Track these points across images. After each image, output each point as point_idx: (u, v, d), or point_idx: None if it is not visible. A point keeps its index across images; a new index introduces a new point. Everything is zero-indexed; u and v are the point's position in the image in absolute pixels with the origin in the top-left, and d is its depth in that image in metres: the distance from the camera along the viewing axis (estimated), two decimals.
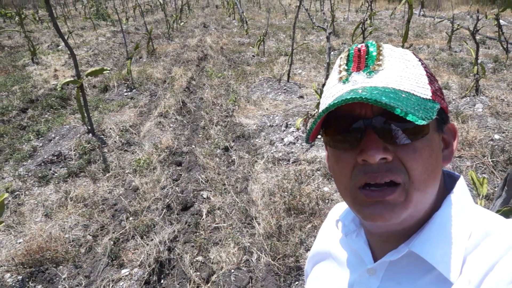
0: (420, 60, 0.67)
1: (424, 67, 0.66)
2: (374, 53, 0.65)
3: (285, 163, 4.15)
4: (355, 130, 0.62)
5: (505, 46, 7.52)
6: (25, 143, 4.75)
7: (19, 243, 2.99)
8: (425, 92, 0.62)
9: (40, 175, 3.90)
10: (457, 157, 4.09)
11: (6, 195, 2.42)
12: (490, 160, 3.93)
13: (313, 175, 3.83)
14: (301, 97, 6.18)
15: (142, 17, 12.66)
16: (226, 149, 4.59)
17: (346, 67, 0.66)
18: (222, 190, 3.68)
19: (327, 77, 4.58)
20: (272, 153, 4.38)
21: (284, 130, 4.92)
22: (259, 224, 3.13)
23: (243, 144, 4.69)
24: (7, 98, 6.40)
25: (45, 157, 4.24)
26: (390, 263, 0.69)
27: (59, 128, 5.08)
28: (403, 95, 0.59)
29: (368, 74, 0.63)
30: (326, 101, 0.66)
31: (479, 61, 6.40)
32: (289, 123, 5.04)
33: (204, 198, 3.57)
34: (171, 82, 7.12)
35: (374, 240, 0.75)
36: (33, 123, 5.47)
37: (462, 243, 0.63)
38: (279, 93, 6.41)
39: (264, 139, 4.80)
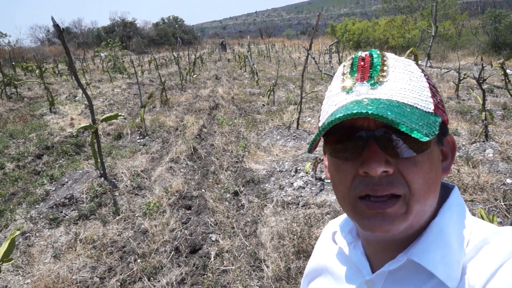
0: (423, 71, 0.67)
1: (426, 78, 0.67)
2: (378, 63, 0.64)
3: (294, 206, 4.14)
4: (357, 139, 0.62)
5: None
6: (39, 187, 4.84)
7: (27, 283, 2.97)
8: (428, 105, 0.62)
9: (51, 217, 3.94)
10: (469, 201, 4.04)
11: (17, 232, 2.45)
12: (503, 203, 3.87)
13: (322, 218, 3.79)
14: None
15: (157, 70, 13.19)
16: (236, 193, 4.61)
17: (349, 76, 0.65)
18: (231, 233, 3.66)
19: None
20: (281, 197, 4.37)
21: (293, 175, 4.94)
22: (267, 267, 3.08)
23: (253, 189, 4.71)
24: (23, 145, 6.59)
25: (57, 200, 4.29)
26: (388, 274, 0.69)
27: (72, 173, 5.18)
28: (408, 109, 0.59)
29: (372, 85, 0.63)
30: (329, 109, 0.66)
31: (487, 107, 6.48)
32: (299, 168, 5.07)
33: (213, 241, 3.54)
34: (183, 130, 7.29)
35: (372, 250, 0.75)
36: (48, 168, 5.59)
37: (460, 249, 0.63)
38: (289, 140, 6.49)
39: (274, 184, 4.81)
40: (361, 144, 0.62)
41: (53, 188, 4.82)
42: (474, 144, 5.73)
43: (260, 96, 10.83)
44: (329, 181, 4.65)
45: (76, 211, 4.11)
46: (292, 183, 4.71)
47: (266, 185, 4.83)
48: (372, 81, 0.63)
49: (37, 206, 4.34)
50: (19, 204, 4.43)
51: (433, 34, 18.13)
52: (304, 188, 4.57)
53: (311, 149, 0.65)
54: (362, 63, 0.65)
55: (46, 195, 4.61)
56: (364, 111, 0.55)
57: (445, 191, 0.72)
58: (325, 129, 0.60)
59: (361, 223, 0.64)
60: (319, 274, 0.89)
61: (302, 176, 4.82)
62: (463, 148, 5.65)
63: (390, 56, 0.66)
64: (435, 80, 12.35)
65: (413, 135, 0.54)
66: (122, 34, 46.06)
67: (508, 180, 4.42)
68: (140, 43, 44.55)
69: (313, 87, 11.76)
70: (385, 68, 0.64)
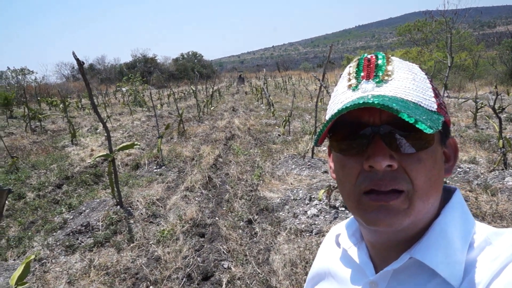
0: (426, 74, 0.69)
1: (430, 81, 0.69)
2: (383, 64, 0.67)
3: (308, 234, 4.10)
4: (363, 136, 0.64)
5: None
6: (57, 216, 4.94)
7: None
8: (431, 104, 0.64)
9: (67, 244, 4.00)
10: None
11: (32, 256, 2.51)
12: None
13: None
14: (325, 172, 6.23)
15: (175, 103, 13.52)
16: (250, 221, 4.61)
17: (355, 75, 0.67)
18: (243, 261, 3.64)
19: None
20: (295, 225, 4.35)
21: (307, 203, 4.92)
22: None
23: (267, 217, 4.70)
24: (45, 175, 6.77)
25: (74, 227, 4.37)
26: (392, 275, 0.69)
27: (90, 202, 5.28)
28: (412, 105, 0.61)
29: (377, 83, 0.64)
30: (335, 106, 0.68)
31: (506, 136, 6.39)
32: (313, 196, 5.05)
33: (225, 268, 3.53)
34: (199, 160, 7.38)
35: (375, 252, 0.75)
36: (66, 197, 5.72)
37: (463, 248, 0.64)
38: (304, 169, 6.50)
39: (288, 212, 4.79)
40: (366, 140, 0.63)
41: (71, 217, 4.91)
42: (492, 172, 5.62)
43: (276, 127, 10.94)
44: (343, 208, 4.61)
45: (92, 238, 4.17)
46: (306, 211, 4.69)
47: (280, 213, 4.81)
48: (378, 79, 0.65)
49: (54, 233, 4.42)
50: (37, 232, 4.52)
51: (449, 64, 18.15)
52: (318, 216, 4.54)
53: (317, 142, 0.67)
54: (368, 63, 0.68)
55: (63, 223, 4.70)
56: (370, 102, 0.57)
57: (448, 194, 0.73)
58: (332, 119, 0.62)
59: (365, 217, 0.65)
60: (322, 278, 0.89)
61: (316, 204, 4.80)
62: (482, 176, 5.55)
63: (394, 58, 0.68)
64: (453, 110, 12.27)
65: (417, 126, 0.56)
66: (143, 69, 47.60)
67: None
68: (160, 78, 45.82)
69: None
70: (389, 68, 0.66)
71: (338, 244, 0.86)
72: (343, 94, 0.67)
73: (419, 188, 0.62)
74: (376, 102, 0.57)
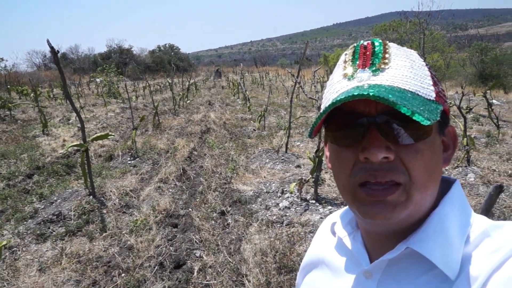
0: (424, 61, 0.67)
1: (428, 68, 0.66)
2: (380, 51, 0.64)
3: (278, 225, 4.23)
4: (358, 126, 0.61)
5: (496, 122, 7.89)
6: (28, 205, 4.89)
7: None
8: (430, 93, 0.62)
9: (38, 232, 3.99)
10: None
11: (4, 242, 2.53)
12: None
13: (305, 236, 3.88)
14: (298, 166, 6.38)
15: (151, 96, 13.41)
16: (222, 213, 4.69)
17: (351, 63, 0.65)
18: (215, 250, 3.73)
19: (319, 143, 4.82)
20: (266, 216, 4.46)
21: (279, 196, 5.05)
22: (249, 281, 3.15)
23: (239, 209, 4.80)
24: (15, 165, 6.65)
25: (45, 216, 4.35)
26: (388, 265, 0.68)
27: (61, 192, 5.25)
28: (409, 95, 0.58)
29: (373, 72, 0.62)
30: (330, 96, 0.66)
31: (473, 135, 6.71)
32: (285, 189, 5.18)
33: (197, 257, 3.61)
34: (174, 152, 7.40)
35: (371, 241, 0.74)
36: (37, 187, 5.65)
37: (461, 240, 0.63)
38: (277, 163, 6.63)
39: (260, 204, 4.91)
40: (361, 131, 0.61)
41: (42, 206, 4.87)
42: (456, 169, 5.89)
43: (251, 122, 11.04)
44: (314, 201, 4.76)
45: (64, 227, 4.16)
46: (277, 204, 4.81)
47: (253, 205, 4.92)
48: (374, 68, 0.62)
49: (25, 222, 4.39)
50: (7, 220, 4.47)
51: None
52: (289, 208, 4.67)
53: (311, 134, 0.65)
54: (364, 50, 0.65)
55: (34, 213, 4.66)
56: (365, 93, 0.55)
57: (447, 185, 0.71)
58: (326, 111, 0.60)
59: (361, 210, 0.63)
60: (315, 266, 0.87)
61: (288, 197, 4.93)
62: (446, 172, 5.81)
63: (392, 45, 0.66)
64: None
65: (414, 118, 0.54)
66: (118, 60, 46.66)
67: None
68: (136, 70, 45.13)
69: (305, 113, 12.01)
70: (387, 55, 0.64)
71: (334, 233, 0.84)
72: (338, 83, 0.65)
73: (416, 180, 0.60)
74: (371, 93, 0.55)
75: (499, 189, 1.71)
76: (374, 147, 0.59)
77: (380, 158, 0.59)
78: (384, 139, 0.60)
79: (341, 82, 0.64)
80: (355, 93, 0.56)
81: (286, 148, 7.12)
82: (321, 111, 0.62)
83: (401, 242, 0.65)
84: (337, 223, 0.83)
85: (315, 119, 0.62)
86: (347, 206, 0.80)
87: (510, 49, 25.42)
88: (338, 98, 0.58)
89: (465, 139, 5.93)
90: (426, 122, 0.54)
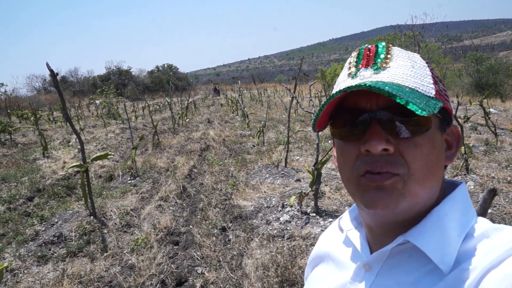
0: (427, 62, 0.70)
1: (430, 69, 0.69)
2: (383, 52, 0.68)
3: (279, 239, 4.22)
4: (361, 123, 0.65)
5: (493, 130, 7.93)
6: (29, 228, 4.89)
7: None
8: (429, 90, 0.64)
9: (39, 254, 3.98)
10: None
11: (6, 264, 2.53)
12: None
13: (307, 249, 3.88)
14: (298, 180, 6.39)
15: (150, 115, 13.51)
16: (224, 229, 4.69)
17: (355, 64, 0.69)
18: (217, 266, 3.72)
19: (317, 157, 4.84)
20: (268, 231, 4.46)
21: (280, 210, 5.05)
22: None
23: (240, 224, 4.79)
24: (15, 188, 6.67)
25: (46, 238, 4.35)
26: (387, 258, 0.71)
27: (62, 213, 5.25)
28: (407, 90, 0.61)
29: (375, 70, 0.66)
30: (333, 92, 0.70)
31: (470, 144, 6.74)
32: (285, 203, 5.19)
33: (199, 274, 3.60)
34: (174, 170, 7.42)
35: (373, 236, 0.76)
36: (38, 210, 5.65)
37: (458, 237, 0.65)
38: (277, 178, 6.64)
39: (261, 219, 4.90)
40: (364, 127, 0.65)
41: (43, 228, 4.86)
42: (456, 177, 5.91)
43: (251, 138, 11.09)
44: (314, 214, 4.76)
45: (65, 248, 4.16)
46: (278, 218, 4.81)
47: (254, 220, 4.92)
48: (376, 67, 0.67)
49: (26, 245, 4.38)
50: (8, 244, 4.47)
51: None
52: (290, 222, 4.67)
53: (314, 126, 0.70)
54: (368, 52, 0.70)
55: (35, 235, 4.65)
56: (362, 84, 0.59)
57: (452, 187, 0.74)
58: (327, 103, 0.64)
59: (363, 199, 0.66)
60: (322, 260, 0.91)
61: (289, 210, 4.93)
62: None
63: (395, 48, 0.70)
64: None
65: (408, 107, 0.56)
66: (117, 82, 47.06)
67: (489, 210, 4.56)
68: (135, 90, 45.43)
69: (303, 128, 12.07)
70: (389, 56, 0.68)
71: (341, 229, 0.88)
72: (343, 82, 0.70)
73: (415, 172, 0.63)
74: (368, 85, 0.58)
75: (493, 192, 1.72)
76: (374, 139, 0.62)
77: (379, 149, 0.62)
78: (384, 132, 0.63)
79: (346, 81, 0.69)
80: (352, 85, 0.61)
81: (286, 162, 7.14)
82: (323, 103, 0.66)
83: (400, 235, 0.68)
84: (344, 218, 0.88)
85: (317, 111, 0.67)
86: (354, 204, 0.85)
87: (506, 58, 25.66)
88: (338, 90, 0.63)
89: (463, 147, 5.96)
90: (421, 112, 0.56)
